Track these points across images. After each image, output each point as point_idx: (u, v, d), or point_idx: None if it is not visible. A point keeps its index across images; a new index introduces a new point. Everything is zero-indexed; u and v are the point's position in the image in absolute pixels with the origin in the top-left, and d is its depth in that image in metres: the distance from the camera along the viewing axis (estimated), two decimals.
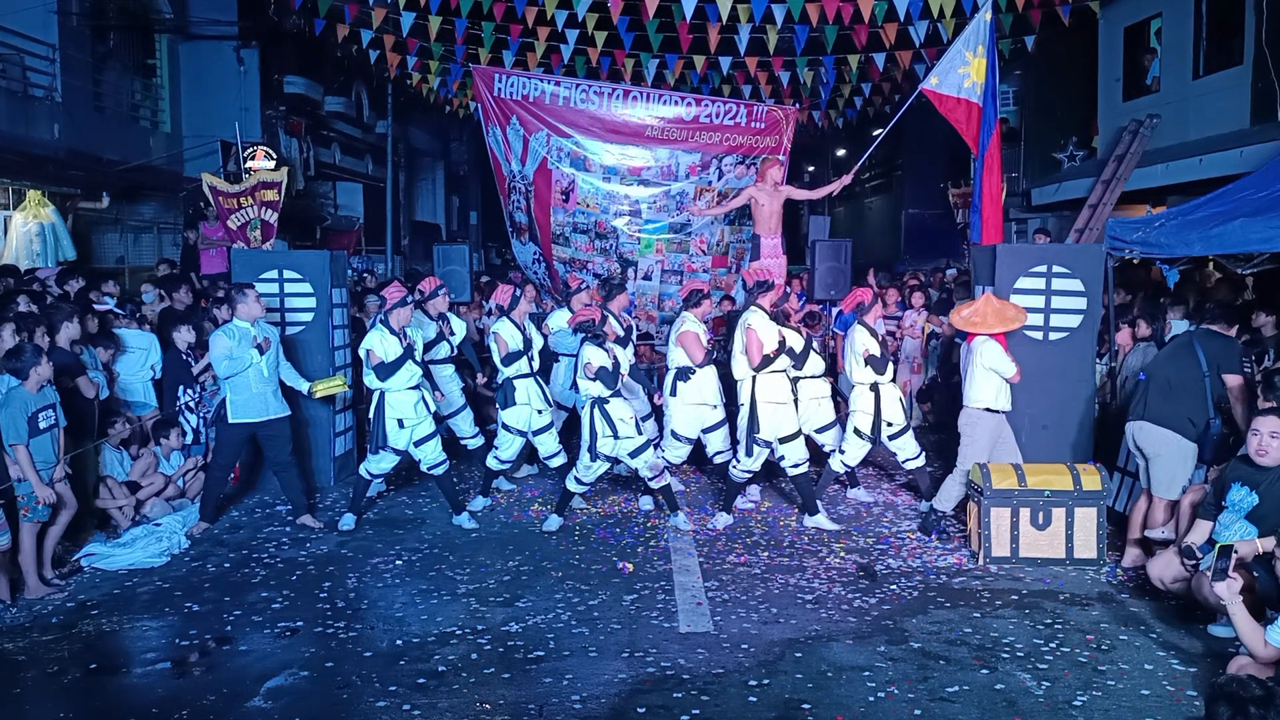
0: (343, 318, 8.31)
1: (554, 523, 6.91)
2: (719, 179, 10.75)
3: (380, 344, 6.67)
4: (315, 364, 7.82)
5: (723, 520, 6.97)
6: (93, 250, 13.14)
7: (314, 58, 18.36)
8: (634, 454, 6.79)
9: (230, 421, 6.83)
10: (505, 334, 7.21)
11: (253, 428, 6.89)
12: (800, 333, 7.15)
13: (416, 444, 6.89)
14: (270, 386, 6.89)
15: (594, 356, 6.62)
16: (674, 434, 7.17)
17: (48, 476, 5.69)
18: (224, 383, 6.79)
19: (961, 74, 8.15)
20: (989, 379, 6.47)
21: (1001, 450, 6.60)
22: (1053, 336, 6.95)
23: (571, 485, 6.95)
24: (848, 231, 25.34)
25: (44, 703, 4.41)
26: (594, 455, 6.74)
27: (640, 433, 6.89)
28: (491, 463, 7.47)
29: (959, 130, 8.36)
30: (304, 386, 7.17)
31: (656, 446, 7.11)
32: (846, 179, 9.46)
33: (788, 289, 7.41)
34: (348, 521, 6.95)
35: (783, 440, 6.87)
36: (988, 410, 6.51)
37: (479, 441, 8.11)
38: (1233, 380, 5.74)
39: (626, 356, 7.06)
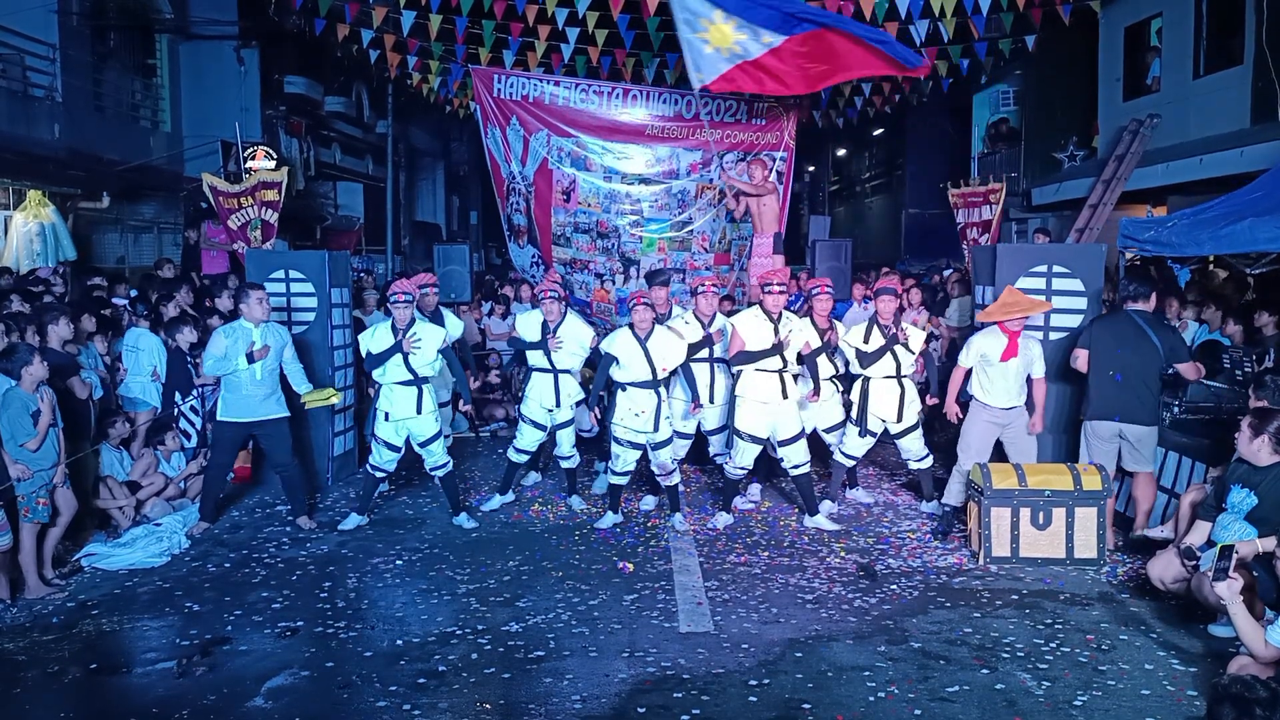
0: (343, 317, 8.31)
1: (609, 520, 6.96)
2: (720, 176, 10.76)
3: (372, 336, 6.77)
4: (316, 363, 7.82)
5: (723, 520, 6.98)
6: (93, 250, 13.12)
7: (314, 58, 18.34)
8: (658, 446, 6.85)
9: (218, 418, 6.84)
10: (522, 324, 7.34)
11: (245, 427, 6.87)
12: (824, 337, 7.04)
13: (421, 445, 6.90)
14: (263, 390, 6.82)
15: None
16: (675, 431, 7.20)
17: (48, 478, 5.69)
18: (223, 379, 6.79)
19: (711, 52, 7.82)
20: (978, 367, 6.58)
21: (1012, 448, 6.65)
22: (1053, 336, 6.95)
23: (613, 479, 7.02)
24: (848, 231, 25.34)
25: (44, 703, 4.41)
26: (620, 443, 6.88)
27: (656, 429, 6.86)
28: (511, 454, 7.45)
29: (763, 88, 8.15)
30: (303, 389, 7.15)
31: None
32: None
33: (828, 290, 7.28)
34: (351, 521, 6.95)
35: (783, 442, 6.85)
36: (973, 400, 6.60)
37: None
38: (1187, 368, 6.23)
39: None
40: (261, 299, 6.83)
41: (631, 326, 6.78)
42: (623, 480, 7.02)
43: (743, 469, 6.98)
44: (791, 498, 7.56)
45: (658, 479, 7.02)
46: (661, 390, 6.82)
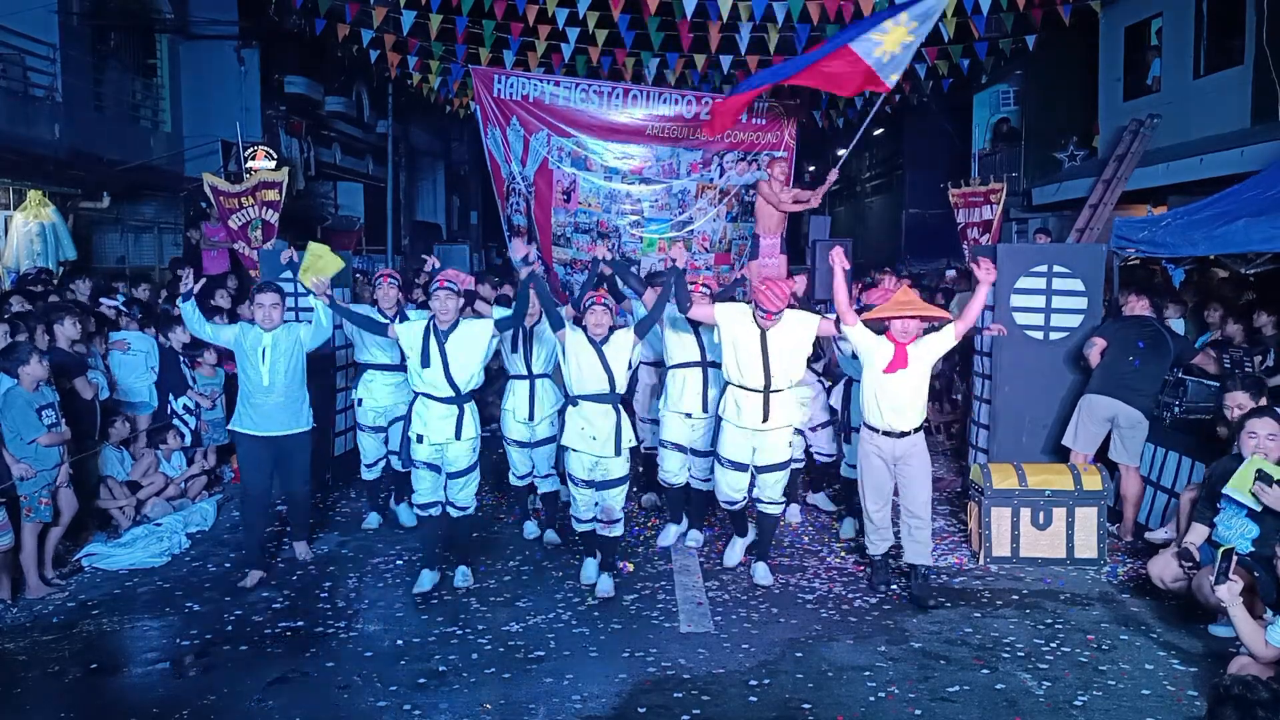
0: None
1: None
2: (720, 176, 10.77)
3: (408, 338, 5.68)
4: (316, 362, 7.80)
5: (761, 573, 5.87)
6: (93, 250, 13.13)
7: (314, 58, 18.35)
8: (609, 485, 5.72)
9: (230, 427, 6.20)
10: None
11: (265, 443, 5.95)
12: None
13: (451, 476, 5.75)
14: (277, 399, 5.89)
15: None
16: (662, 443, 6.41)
17: (51, 479, 5.69)
18: (239, 387, 6.16)
19: (876, 40, 8.19)
20: (866, 378, 5.62)
21: (904, 491, 5.61)
22: (1053, 336, 6.94)
23: (579, 528, 5.96)
24: (848, 231, 25.32)
25: (44, 703, 4.41)
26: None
27: (617, 452, 5.68)
28: (512, 479, 6.70)
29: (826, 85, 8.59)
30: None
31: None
32: (824, 189, 9.52)
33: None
34: (426, 580, 5.79)
35: (761, 468, 5.82)
36: (863, 425, 5.68)
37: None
38: (1202, 360, 6.68)
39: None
40: (265, 303, 5.87)
41: (585, 330, 5.59)
42: (589, 527, 5.82)
43: (733, 501, 5.95)
44: (793, 498, 7.55)
45: (598, 529, 5.74)
46: (621, 409, 5.67)
